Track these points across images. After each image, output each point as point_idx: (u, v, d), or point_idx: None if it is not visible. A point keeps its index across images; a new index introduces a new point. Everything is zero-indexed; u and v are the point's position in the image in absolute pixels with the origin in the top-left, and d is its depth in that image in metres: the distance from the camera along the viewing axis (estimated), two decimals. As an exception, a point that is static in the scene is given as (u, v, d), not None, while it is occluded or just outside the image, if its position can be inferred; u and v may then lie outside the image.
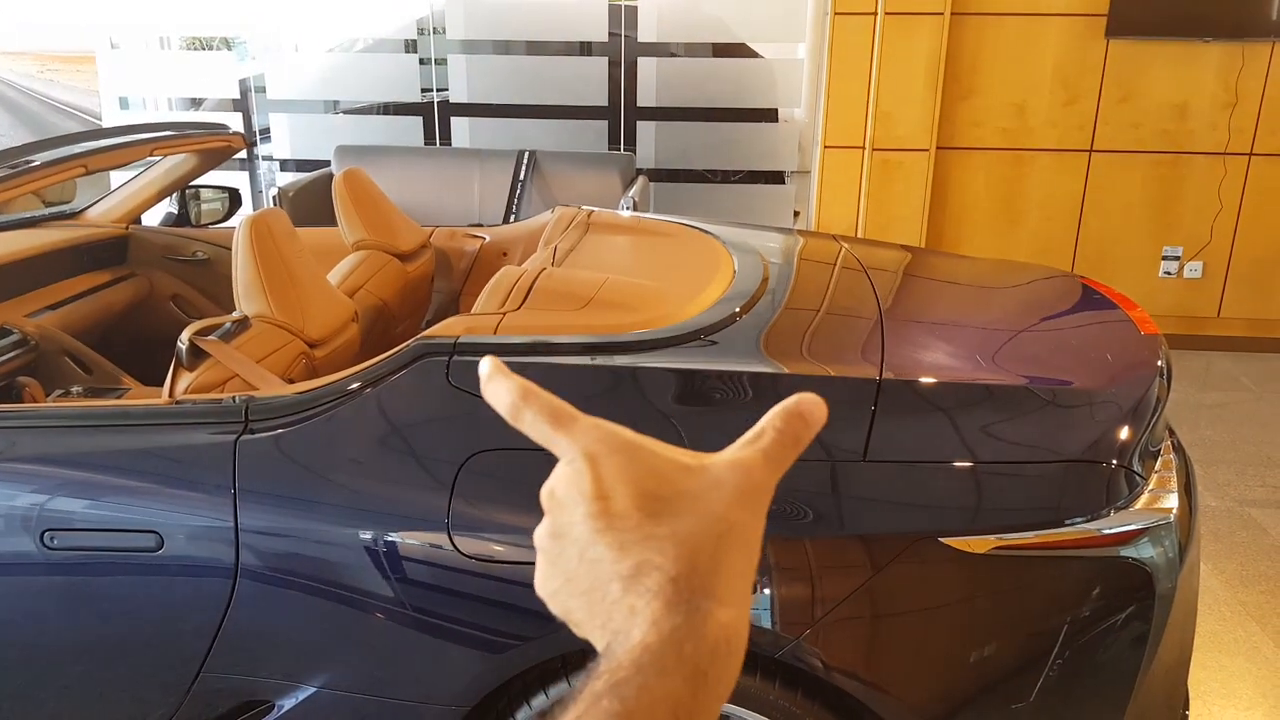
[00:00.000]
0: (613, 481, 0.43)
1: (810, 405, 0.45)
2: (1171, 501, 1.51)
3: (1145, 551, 1.46)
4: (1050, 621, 1.45)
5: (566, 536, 0.44)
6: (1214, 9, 4.44)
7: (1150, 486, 1.51)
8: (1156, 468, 1.58)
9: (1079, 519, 1.43)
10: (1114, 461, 1.49)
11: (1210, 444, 3.83)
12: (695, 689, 0.39)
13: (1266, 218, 4.74)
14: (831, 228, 4.80)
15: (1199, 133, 4.65)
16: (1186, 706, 1.78)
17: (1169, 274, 4.85)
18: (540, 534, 0.45)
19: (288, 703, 1.57)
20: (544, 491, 0.46)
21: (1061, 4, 4.51)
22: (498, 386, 0.47)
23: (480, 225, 2.94)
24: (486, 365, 0.48)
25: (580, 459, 0.44)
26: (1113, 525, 1.44)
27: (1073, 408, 1.60)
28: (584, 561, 0.43)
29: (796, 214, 5.29)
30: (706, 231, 2.37)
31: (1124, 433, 1.54)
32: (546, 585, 0.45)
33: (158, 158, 2.82)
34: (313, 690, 1.55)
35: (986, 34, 4.58)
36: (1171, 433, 1.81)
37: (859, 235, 4.77)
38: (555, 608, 0.44)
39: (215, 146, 2.76)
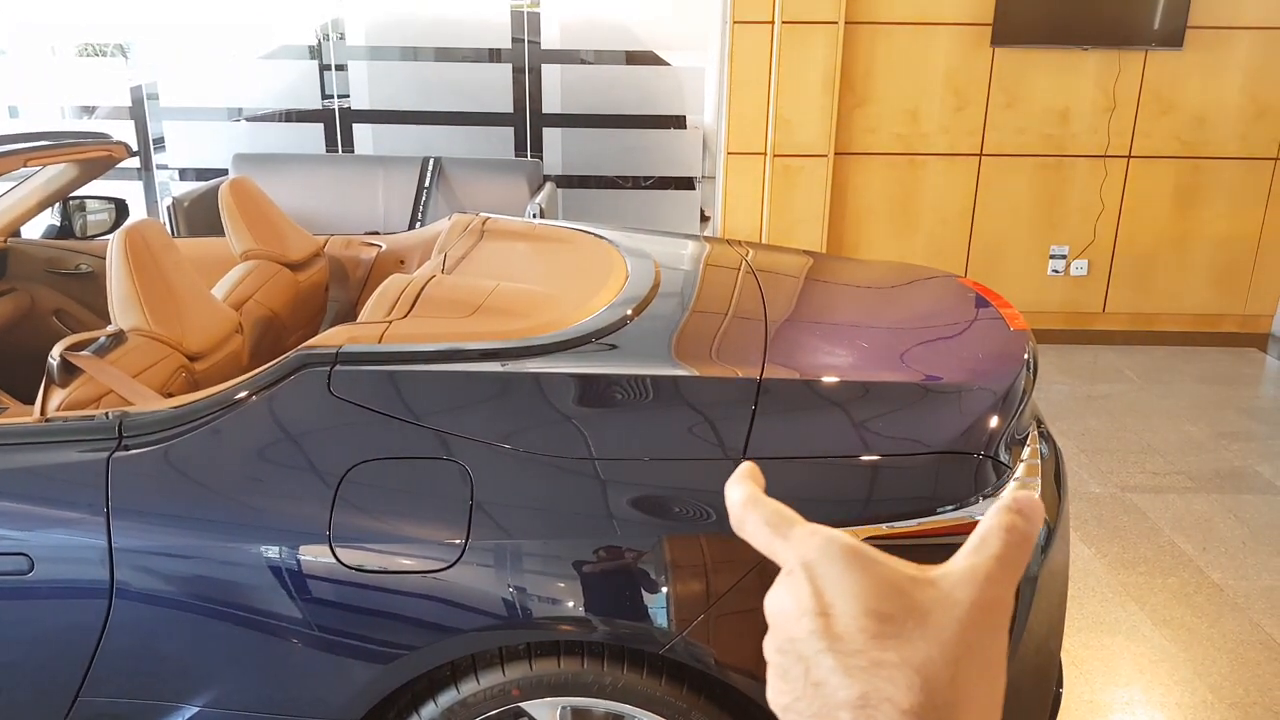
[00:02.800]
0: (834, 595, 0.40)
1: (1026, 503, 0.43)
2: (1036, 488, 1.59)
3: (1011, 536, 1.53)
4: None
5: (792, 653, 0.40)
6: (1092, 19, 4.67)
7: (1017, 474, 1.59)
8: (1023, 456, 1.66)
9: (949, 507, 1.49)
10: (982, 452, 1.56)
11: (1095, 434, 4.02)
12: None
13: (1145, 217, 5.00)
14: (737, 232, 4.89)
15: (1081, 136, 4.88)
16: (1060, 683, 1.86)
17: (1057, 272, 5.07)
18: (768, 647, 0.42)
19: (169, 725, 1.53)
20: (766, 602, 0.43)
21: (949, 14, 4.68)
22: (730, 494, 0.46)
23: (377, 233, 2.91)
24: (739, 472, 0.47)
25: (798, 569, 0.42)
26: (981, 512, 1.51)
27: (943, 401, 1.66)
28: (809, 683, 0.39)
29: (706, 219, 5.37)
30: (601, 237, 2.39)
31: (991, 424, 1.61)
32: (777, 699, 0.41)
33: (35, 168, 2.71)
34: (195, 710, 1.52)
35: (879, 43, 4.72)
36: (1039, 422, 1.90)
37: (763, 239, 4.86)
38: None
39: (95, 156, 2.67)
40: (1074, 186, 4.95)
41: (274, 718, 1.50)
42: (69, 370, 1.72)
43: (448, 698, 1.50)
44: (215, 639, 1.50)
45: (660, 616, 1.44)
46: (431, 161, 4.79)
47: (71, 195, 3.16)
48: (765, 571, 1.46)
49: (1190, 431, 4.07)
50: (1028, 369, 1.81)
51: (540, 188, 4.80)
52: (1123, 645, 2.65)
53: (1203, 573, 2.99)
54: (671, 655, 1.45)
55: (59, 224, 3.22)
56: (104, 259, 2.99)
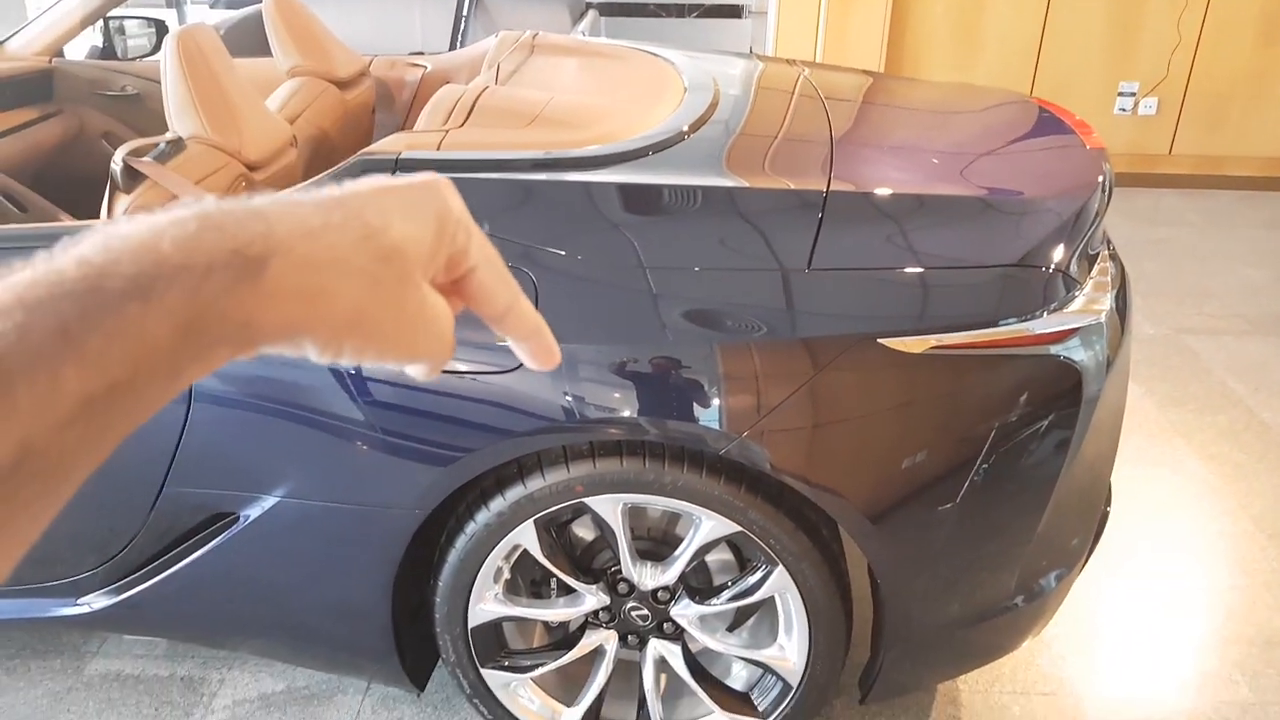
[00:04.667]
0: None
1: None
2: (1104, 304, 1.56)
3: (1075, 351, 1.52)
4: (986, 419, 1.52)
5: None
6: None
7: (1085, 291, 1.56)
8: (1092, 274, 1.62)
9: (1013, 320, 1.48)
10: (1051, 266, 1.53)
11: (1151, 276, 3.93)
12: None
13: (1224, 51, 4.71)
14: (789, 65, 4.70)
15: (1163, -39, 4.55)
16: (1109, 502, 1.89)
17: (1124, 110, 4.84)
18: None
19: (253, 512, 1.61)
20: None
21: None
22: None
23: (421, 54, 2.83)
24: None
25: None
26: (1046, 325, 1.49)
27: (1017, 216, 1.62)
28: None
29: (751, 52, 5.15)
30: (656, 55, 2.31)
31: (1063, 240, 1.57)
32: None
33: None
34: (275, 500, 1.59)
35: None
36: (1108, 242, 1.85)
37: (816, 72, 4.67)
38: None
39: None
40: (1150, 16, 4.65)
41: (352, 508, 1.58)
42: (132, 176, 1.72)
43: (515, 492, 1.56)
44: (290, 437, 1.55)
45: (715, 421, 1.47)
46: (471, -13, 4.59)
47: (111, 15, 3.09)
48: (819, 383, 1.46)
49: (1250, 275, 3.96)
50: (1102, 188, 1.75)
51: (583, 15, 4.61)
52: (1167, 477, 2.67)
53: (1252, 412, 2.98)
54: (729, 457, 1.49)
55: (101, 45, 3.17)
56: (148, 80, 2.95)
